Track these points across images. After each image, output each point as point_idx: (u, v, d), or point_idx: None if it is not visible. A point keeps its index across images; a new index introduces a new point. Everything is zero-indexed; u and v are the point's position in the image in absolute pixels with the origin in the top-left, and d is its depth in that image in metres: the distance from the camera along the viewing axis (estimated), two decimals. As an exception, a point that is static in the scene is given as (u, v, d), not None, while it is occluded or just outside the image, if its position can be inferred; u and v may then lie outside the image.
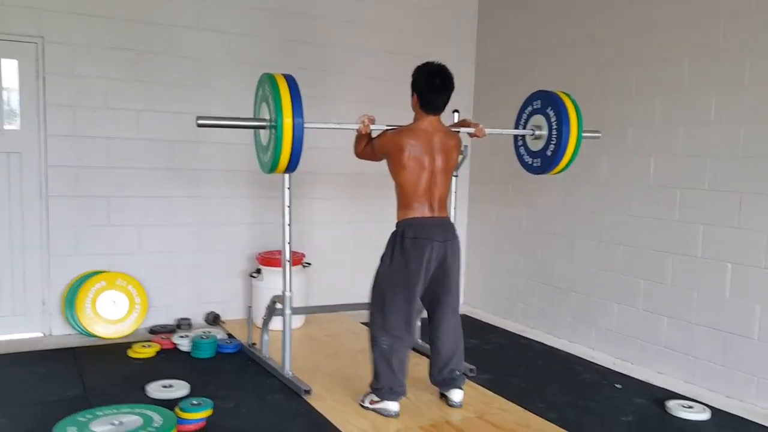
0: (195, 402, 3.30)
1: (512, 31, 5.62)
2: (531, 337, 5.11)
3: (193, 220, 5.03)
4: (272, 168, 3.27)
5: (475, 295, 6.03)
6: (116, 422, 3.01)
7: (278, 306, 3.95)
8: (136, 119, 4.79)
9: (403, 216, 3.41)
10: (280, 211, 3.84)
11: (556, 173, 3.94)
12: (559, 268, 5.09)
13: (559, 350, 4.79)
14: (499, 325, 5.47)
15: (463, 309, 5.88)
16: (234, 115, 4.87)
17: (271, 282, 4.72)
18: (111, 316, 4.64)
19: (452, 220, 4.20)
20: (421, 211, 3.37)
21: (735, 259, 3.85)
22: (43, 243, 4.62)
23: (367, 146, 3.54)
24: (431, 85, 3.34)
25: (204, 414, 3.24)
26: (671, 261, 4.21)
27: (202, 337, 4.40)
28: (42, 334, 4.67)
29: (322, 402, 3.57)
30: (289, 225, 3.81)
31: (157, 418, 3.06)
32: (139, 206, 4.85)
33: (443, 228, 3.43)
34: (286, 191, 3.78)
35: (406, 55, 5.46)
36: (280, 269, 4.14)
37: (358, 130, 3.50)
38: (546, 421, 3.43)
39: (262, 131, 3.41)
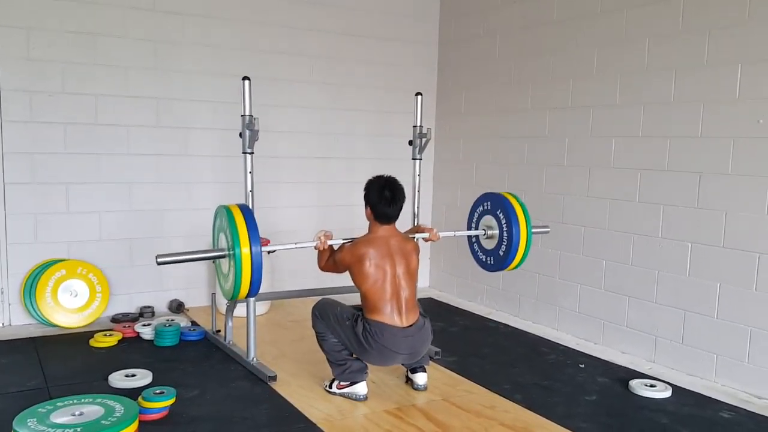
0: (158, 391, 3.26)
1: (474, 11, 5.59)
2: (496, 319, 5.14)
3: (155, 206, 4.95)
4: (234, 295, 3.28)
5: (441, 278, 6.05)
6: (77, 413, 2.96)
7: (242, 292, 3.91)
8: (95, 104, 4.67)
9: (371, 317, 3.35)
10: (243, 196, 3.78)
11: (511, 269, 3.99)
12: (524, 250, 5.11)
13: (524, 331, 4.83)
14: (464, 308, 5.49)
15: (429, 292, 5.92)
16: (194, 96, 4.90)
17: (236, 268, 4.67)
18: (72, 305, 4.56)
19: (414, 202, 4.24)
20: (390, 317, 3.34)
21: (695, 239, 3.91)
22: (0, 231, 4.50)
23: (329, 260, 3.55)
24: (383, 198, 3.39)
25: (167, 403, 3.19)
26: (633, 241, 4.26)
27: (165, 325, 4.34)
28: (1, 324, 4.57)
29: (287, 388, 3.55)
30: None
31: (119, 408, 3.01)
32: (99, 193, 4.75)
33: (412, 339, 3.39)
34: (248, 176, 3.74)
35: (370, 37, 5.47)
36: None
37: (316, 247, 3.51)
38: (511, 402, 3.46)
39: (222, 261, 3.42)
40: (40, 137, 4.54)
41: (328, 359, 3.49)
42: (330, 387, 3.49)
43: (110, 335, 4.28)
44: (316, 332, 3.52)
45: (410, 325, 3.38)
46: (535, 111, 4.98)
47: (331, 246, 3.55)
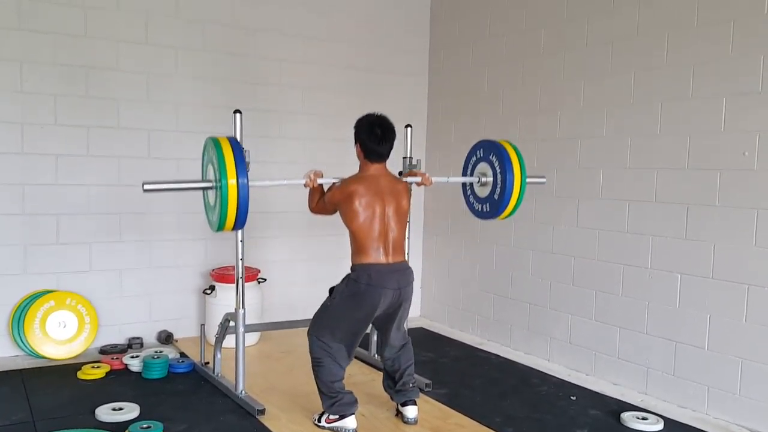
0: (145, 425, 3.23)
1: (464, 42, 5.65)
2: (488, 350, 5.12)
3: (144, 237, 4.94)
4: (220, 227, 3.29)
5: (432, 308, 6.04)
6: (62, 448, 2.93)
7: (231, 323, 3.90)
8: (86, 136, 4.69)
9: (358, 261, 3.39)
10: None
11: (504, 217, 3.98)
12: (514, 280, 5.12)
13: (516, 362, 4.81)
14: (455, 338, 5.47)
15: (420, 322, 5.90)
16: (184, 129, 4.92)
17: (225, 299, 4.65)
18: (60, 336, 4.52)
19: (405, 231, 4.22)
20: (376, 256, 3.36)
21: (684, 270, 3.92)
22: (-11, 262, 4.49)
23: (320, 200, 3.57)
24: (373, 135, 3.40)
25: (153, 437, 3.17)
26: (623, 272, 4.27)
27: (153, 357, 4.30)
28: (-13, 357, 4.53)
29: (276, 422, 3.52)
30: (241, 241, 3.76)
31: (105, 443, 2.98)
32: (89, 224, 4.74)
33: (398, 274, 3.41)
34: (239, 207, 3.73)
35: (358, 69, 5.53)
36: (233, 285, 4.09)
37: (305, 185, 3.52)
38: (502, 436, 3.44)
39: (209, 192, 3.44)
40: (32, 168, 4.54)
41: (319, 390, 3.45)
42: (319, 421, 3.46)
43: (98, 367, 4.24)
44: (312, 358, 3.46)
45: (396, 263, 3.39)
46: (524, 142, 4.98)
47: (321, 186, 3.53)
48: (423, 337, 5.34)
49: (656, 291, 4.07)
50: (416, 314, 6.07)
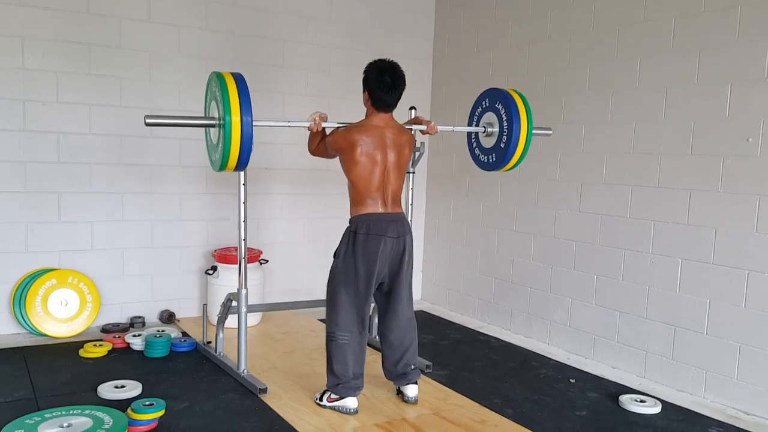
0: (147, 402, 3.25)
1: (469, 27, 5.63)
2: (488, 333, 5.15)
3: (147, 217, 4.94)
4: (222, 166, 3.26)
5: (433, 291, 6.06)
6: (65, 424, 2.95)
7: (233, 304, 3.91)
8: (88, 114, 4.67)
9: (356, 212, 3.40)
10: (236, 207, 3.79)
11: (508, 169, 3.97)
12: (515, 264, 5.14)
13: (516, 345, 4.84)
14: (456, 321, 5.49)
15: (421, 305, 5.92)
16: (186, 109, 4.90)
17: (227, 279, 4.67)
18: (62, 314, 4.54)
19: (408, 215, 4.24)
20: (374, 207, 3.37)
21: (685, 255, 3.93)
22: (-10, 240, 4.50)
23: (321, 143, 3.54)
24: (382, 83, 3.33)
25: (156, 415, 3.18)
26: (624, 257, 4.28)
27: (155, 336, 4.32)
28: (-11, 334, 4.55)
29: (278, 400, 3.54)
30: (244, 222, 3.76)
31: (108, 420, 3.00)
32: (91, 202, 4.74)
33: (396, 224, 3.42)
34: (242, 187, 3.73)
35: (362, 50, 5.50)
36: (236, 266, 4.11)
37: (309, 128, 3.48)
38: (502, 417, 3.46)
39: (212, 130, 3.38)
40: (33, 146, 4.53)
41: (329, 365, 3.43)
42: (320, 400, 3.48)
43: (100, 346, 4.26)
44: (327, 334, 3.47)
45: (394, 212, 3.41)
46: (528, 126, 5.01)
47: (323, 130, 3.52)
48: (424, 320, 5.36)
49: (657, 276, 4.09)
50: (417, 297, 6.09)
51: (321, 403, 3.46)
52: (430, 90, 6.09)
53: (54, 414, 3.04)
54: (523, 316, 5.07)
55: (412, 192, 4.38)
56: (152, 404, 3.23)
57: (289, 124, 3.56)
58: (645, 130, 4.16)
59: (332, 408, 3.43)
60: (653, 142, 4.11)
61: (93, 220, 4.76)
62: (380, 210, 3.37)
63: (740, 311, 3.67)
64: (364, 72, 3.42)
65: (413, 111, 4.31)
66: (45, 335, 4.50)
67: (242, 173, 3.70)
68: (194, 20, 4.98)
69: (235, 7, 5.13)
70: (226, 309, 4.04)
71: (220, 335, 4.14)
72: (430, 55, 6.06)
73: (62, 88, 4.58)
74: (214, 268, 4.86)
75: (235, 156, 3.17)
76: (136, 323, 4.84)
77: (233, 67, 5.06)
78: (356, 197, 3.39)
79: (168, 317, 4.97)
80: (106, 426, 2.93)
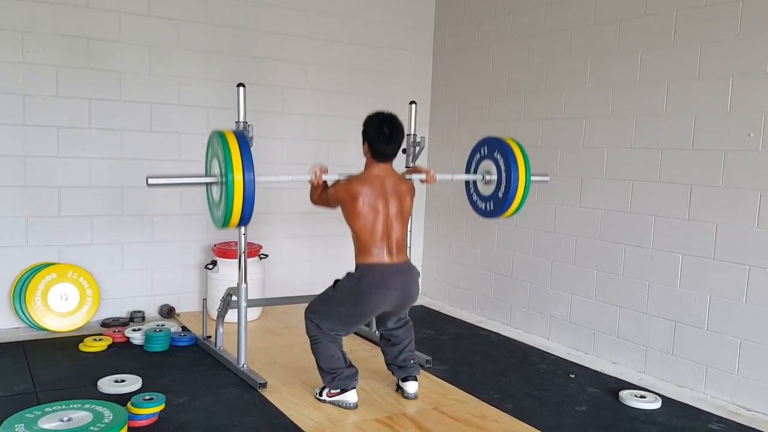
0: (147, 397, 3.24)
1: (470, 21, 5.61)
2: (488, 328, 5.14)
3: (146, 211, 4.93)
4: (225, 223, 3.23)
5: (433, 286, 6.06)
6: (65, 418, 2.94)
7: (233, 298, 3.91)
8: (88, 108, 4.66)
9: (362, 261, 3.38)
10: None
11: (507, 216, 3.95)
12: (515, 259, 5.13)
13: (516, 340, 4.83)
14: (456, 316, 5.49)
15: (421, 300, 5.92)
16: (185, 103, 4.90)
17: (227, 274, 4.67)
18: (62, 309, 4.54)
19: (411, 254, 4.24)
20: (379, 256, 3.35)
21: (686, 251, 3.92)
22: (-10, 234, 4.49)
23: (322, 194, 3.55)
24: (381, 135, 3.36)
25: (156, 409, 3.18)
26: (624, 252, 4.28)
27: (155, 330, 4.32)
28: (-11, 328, 4.55)
29: (278, 395, 3.54)
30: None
31: (108, 414, 3.00)
32: (91, 197, 4.73)
33: (402, 275, 3.41)
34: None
35: (363, 44, 5.50)
36: (235, 261, 4.10)
37: (310, 181, 3.50)
38: (501, 412, 3.46)
39: (213, 188, 3.38)
40: (33, 140, 4.52)
41: (319, 366, 3.47)
42: (320, 395, 3.48)
43: (100, 340, 4.26)
44: (309, 337, 3.49)
45: (399, 263, 3.40)
46: (528, 121, 5.00)
47: (325, 181, 3.52)
48: (423, 315, 5.36)
49: (657, 271, 4.08)
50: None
51: (321, 398, 3.47)
52: (431, 83, 6.07)
53: (54, 408, 3.03)
54: (523, 311, 5.07)
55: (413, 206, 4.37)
56: (152, 398, 3.23)
57: (290, 178, 3.57)
58: (646, 125, 4.15)
59: (332, 403, 3.43)
60: (654, 137, 4.10)
61: (93, 214, 4.75)
62: (386, 260, 3.36)
63: (741, 307, 3.66)
64: (363, 124, 3.44)
65: (413, 106, 4.30)
66: (45, 329, 4.50)
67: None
68: (194, 14, 4.96)
69: (234, 0, 5.11)
70: (226, 304, 4.04)
71: (220, 330, 4.14)
72: (430, 48, 6.05)
73: (62, 82, 4.57)
74: (214, 263, 4.86)
75: (238, 213, 3.14)
76: (135, 318, 4.84)
77: (233, 60, 5.10)
78: (361, 247, 3.38)
79: (168, 312, 4.97)
80: (106, 420, 2.93)
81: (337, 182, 3.46)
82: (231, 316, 4.08)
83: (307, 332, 3.51)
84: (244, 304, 3.79)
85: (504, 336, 4.94)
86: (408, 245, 4.16)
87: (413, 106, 4.30)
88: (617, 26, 4.30)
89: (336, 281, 3.47)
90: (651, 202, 4.11)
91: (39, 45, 4.47)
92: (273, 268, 5.29)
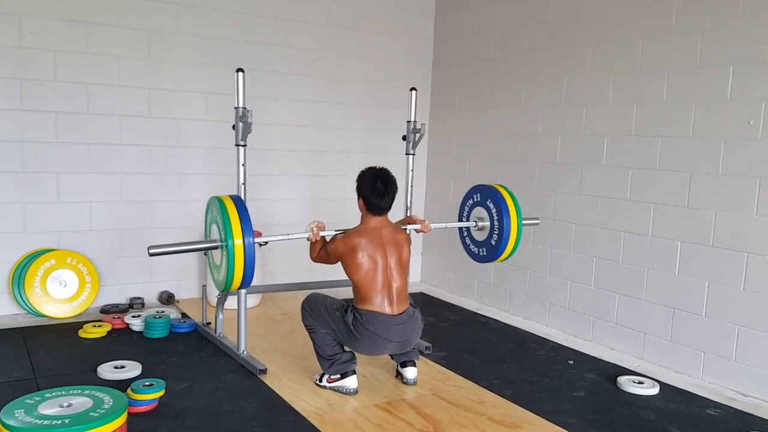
0: (147, 383, 3.25)
1: (470, 7, 5.58)
2: (487, 315, 5.16)
3: (146, 197, 4.92)
4: (227, 286, 3.27)
5: (432, 273, 6.06)
6: (65, 404, 2.93)
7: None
8: (86, 93, 4.64)
9: (362, 307, 3.38)
10: (235, 187, 3.77)
11: (501, 261, 4.00)
12: (514, 246, 5.13)
13: (515, 327, 4.85)
14: (455, 303, 5.51)
15: (421, 287, 5.93)
16: (184, 89, 4.88)
17: (227, 260, 4.66)
18: (61, 295, 4.54)
19: (407, 197, 4.23)
20: (380, 306, 3.36)
21: (684, 238, 3.93)
22: (-11, 220, 4.48)
23: (321, 251, 3.55)
24: (375, 190, 3.40)
25: (156, 395, 3.19)
26: (623, 239, 4.28)
27: (155, 317, 4.32)
28: (-12, 314, 4.55)
29: (278, 381, 3.55)
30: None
31: (108, 400, 2.99)
32: (90, 182, 4.72)
33: (403, 326, 3.40)
34: (241, 168, 3.72)
35: (363, 30, 5.46)
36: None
37: (308, 239, 3.51)
38: (500, 398, 3.47)
39: (213, 251, 3.41)
40: (31, 126, 4.50)
41: (317, 352, 3.49)
42: (320, 381, 3.49)
43: (99, 326, 4.26)
44: (306, 326, 3.52)
45: (400, 314, 3.40)
46: (529, 108, 4.99)
47: (323, 237, 3.55)
48: (423, 302, 5.37)
49: (656, 258, 4.09)
50: (417, 279, 6.10)
51: (321, 383, 3.48)
52: (431, 69, 6.05)
53: (54, 394, 3.02)
54: (522, 298, 5.08)
55: (413, 174, 4.37)
56: (152, 384, 3.24)
57: (288, 237, 3.56)
58: (646, 113, 4.14)
59: (332, 389, 3.44)
60: (654, 125, 4.09)
61: (92, 200, 4.75)
62: (387, 311, 3.36)
63: (739, 293, 3.68)
64: (357, 180, 3.48)
65: (414, 92, 4.28)
66: (44, 316, 4.50)
67: (242, 152, 3.69)
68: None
69: (233, -15, 5.08)
70: (226, 290, 4.04)
71: (220, 316, 4.15)
72: (431, 34, 6.02)
73: (60, 66, 4.54)
74: (214, 249, 4.85)
75: (240, 276, 3.19)
76: (135, 304, 4.84)
77: (232, 46, 5.07)
78: (362, 297, 3.38)
79: (167, 298, 4.97)
80: (106, 406, 2.92)
81: (334, 237, 3.48)
82: (231, 302, 4.08)
83: (303, 321, 3.53)
84: (244, 291, 3.79)
85: (503, 323, 4.96)
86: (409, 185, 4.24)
87: (413, 92, 4.29)
88: (618, 14, 4.29)
89: (346, 306, 3.44)
90: (650, 189, 4.11)
91: (37, 29, 4.44)
92: (273, 254, 5.28)
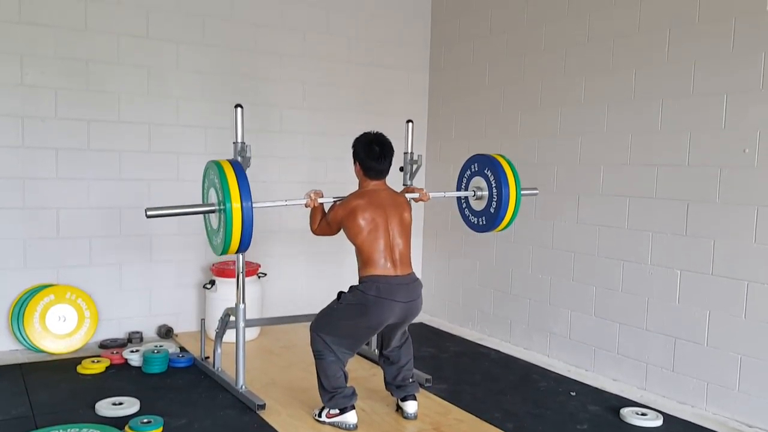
0: (145, 420, 3.23)
1: (465, 39, 5.64)
2: (488, 345, 5.12)
3: (145, 231, 4.92)
4: (224, 250, 3.26)
5: (432, 303, 6.03)
6: (62, 442, 2.93)
7: (232, 318, 3.90)
8: (86, 129, 4.68)
9: (366, 273, 3.37)
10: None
11: (500, 230, 3.99)
12: (513, 275, 5.13)
13: (516, 358, 4.82)
14: (455, 333, 5.48)
15: (420, 317, 5.89)
16: (184, 123, 4.92)
17: (225, 293, 4.66)
18: (60, 330, 4.52)
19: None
20: (383, 269, 3.35)
21: (684, 267, 3.92)
22: (-11, 256, 4.49)
23: (322, 221, 3.56)
24: (371, 153, 3.41)
25: (154, 432, 3.17)
26: (622, 268, 4.27)
27: (153, 352, 4.30)
28: (-13, 351, 4.53)
29: (276, 417, 3.52)
30: (242, 236, 3.75)
31: (105, 438, 2.98)
32: (89, 218, 4.73)
33: (407, 288, 3.39)
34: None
35: (360, 63, 5.53)
36: (234, 280, 4.09)
37: (306, 205, 3.51)
38: None
39: (211, 216, 3.42)
40: (32, 162, 4.53)
41: (319, 384, 3.44)
42: (320, 416, 3.46)
43: (98, 362, 4.24)
44: (314, 352, 3.46)
45: (404, 275, 3.39)
46: (525, 138, 5.02)
47: (322, 207, 3.54)
48: (423, 333, 5.35)
49: (656, 287, 4.08)
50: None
51: (320, 419, 3.45)
52: (427, 101, 6.09)
53: (51, 432, 3.02)
54: (523, 328, 5.05)
55: (411, 202, 4.37)
56: (150, 421, 3.22)
57: (286, 203, 3.57)
58: (641, 141, 4.16)
59: (332, 424, 3.41)
60: (650, 153, 4.11)
61: (91, 235, 4.75)
62: (390, 272, 3.35)
63: (740, 322, 3.66)
64: (353, 146, 3.50)
65: (410, 124, 4.31)
66: (43, 351, 4.48)
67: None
68: (192, 36, 4.99)
69: (232, 22, 5.14)
70: (224, 324, 4.03)
71: (218, 350, 4.13)
72: (426, 65, 6.08)
73: (61, 104, 4.58)
74: (212, 283, 4.85)
75: (237, 240, 3.18)
76: (134, 338, 4.82)
77: (231, 80, 5.12)
78: (365, 260, 3.38)
79: (166, 332, 4.96)
80: (104, 444, 2.91)
81: (333, 205, 3.48)
82: (230, 335, 4.07)
83: (311, 346, 3.47)
84: (242, 325, 3.78)
85: (504, 353, 4.93)
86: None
87: (410, 124, 4.32)
88: (611, 44, 4.33)
89: (340, 293, 3.45)
90: (648, 218, 4.12)
91: (38, 67, 4.50)
92: (272, 286, 5.28)
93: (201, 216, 5.10)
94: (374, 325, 3.38)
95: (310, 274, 5.53)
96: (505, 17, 5.22)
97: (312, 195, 3.48)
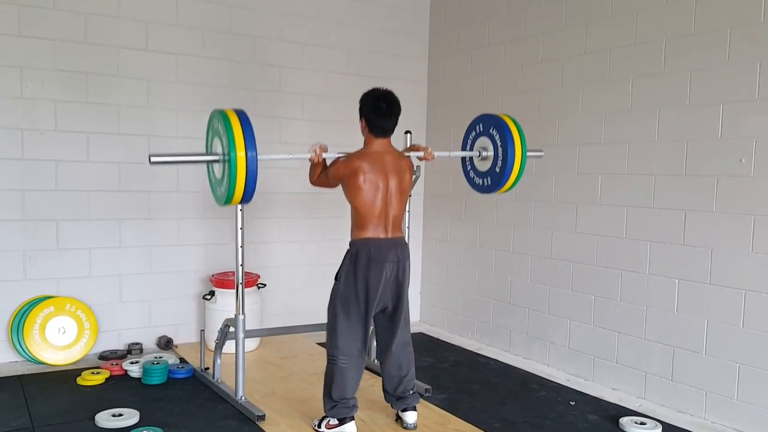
0: (145, 431, 3.23)
1: (463, 50, 5.67)
2: (487, 355, 5.13)
3: (144, 242, 4.94)
4: (228, 200, 3.27)
5: (431, 313, 6.05)
6: (62, 454, 2.93)
7: (231, 329, 3.91)
8: (86, 141, 4.70)
9: (358, 236, 3.41)
10: (234, 231, 3.80)
11: (504, 191, 3.98)
12: (512, 285, 5.14)
13: (515, 367, 4.82)
14: (455, 343, 5.48)
15: (420, 327, 5.91)
16: (184, 135, 4.94)
17: (225, 304, 4.66)
18: (60, 342, 4.53)
19: (406, 238, 4.24)
20: (375, 232, 3.39)
21: (682, 276, 3.93)
22: (-11, 268, 4.50)
23: (322, 174, 3.57)
24: (378, 110, 3.39)
25: (154, 443, 3.18)
26: (621, 277, 4.29)
27: (153, 363, 4.31)
28: (-13, 362, 4.53)
29: (276, 427, 3.53)
30: (241, 247, 3.78)
31: (105, 449, 2.98)
32: (89, 229, 4.75)
33: (397, 248, 3.44)
34: (239, 213, 3.75)
35: (359, 74, 5.56)
36: (233, 291, 4.10)
37: (310, 159, 3.51)
38: (501, 441, 3.45)
39: (215, 166, 3.42)
40: (32, 174, 4.55)
41: (325, 391, 3.43)
42: (319, 426, 3.46)
43: (98, 373, 4.24)
44: (328, 356, 3.47)
45: (394, 237, 3.43)
46: (523, 148, 5.03)
47: (324, 161, 3.54)
48: (422, 342, 5.35)
49: (654, 296, 4.09)
50: (416, 319, 6.07)
51: (320, 430, 3.45)
52: (426, 111, 6.12)
53: (51, 444, 3.02)
54: (522, 338, 5.06)
55: (409, 214, 4.39)
56: (150, 433, 3.22)
57: (290, 156, 3.60)
58: (638, 151, 4.18)
59: (330, 434, 3.41)
60: (647, 163, 4.13)
61: (91, 246, 4.77)
62: (381, 235, 3.40)
63: (738, 331, 3.67)
64: (360, 101, 3.48)
65: (409, 136, 4.34)
66: (43, 363, 4.48)
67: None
68: (191, 48, 5.02)
69: (231, 35, 5.17)
70: (224, 335, 4.04)
71: (218, 361, 4.13)
72: (425, 77, 6.11)
73: (60, 116, 4.61)
74: (212, 293, 4.86)
75: (241, 190, 3.19)
76: (133, 350, 4.82)
77: (230, 93, 5.15)
78: (359, 222, 3.41)
79: (166, 343, 4.96)
80: (104, 456, 2.92)
81: (336, 160, 3.48)
82: (229, 346, 4.07)
83: (326, 349, 3.51)
84: (242, 336, 3.79)
85: (503, 363, 4.93)
86: (406, 224, 4.18)
87: (408, 135, 4.34)
88: (607, 55, 4.36)
89: (337, 275, 3.48)
90: (646, 227, 4.13)
91: (38, 80, 4.52)
92: (271, 297, 5.29)
93: (202, 221, 5.16)
94: (373, 286, 3.36)
95: (310, 285, 5.54)
96: (502, 29, 5.25)
97: (317, 149, 3.49)
